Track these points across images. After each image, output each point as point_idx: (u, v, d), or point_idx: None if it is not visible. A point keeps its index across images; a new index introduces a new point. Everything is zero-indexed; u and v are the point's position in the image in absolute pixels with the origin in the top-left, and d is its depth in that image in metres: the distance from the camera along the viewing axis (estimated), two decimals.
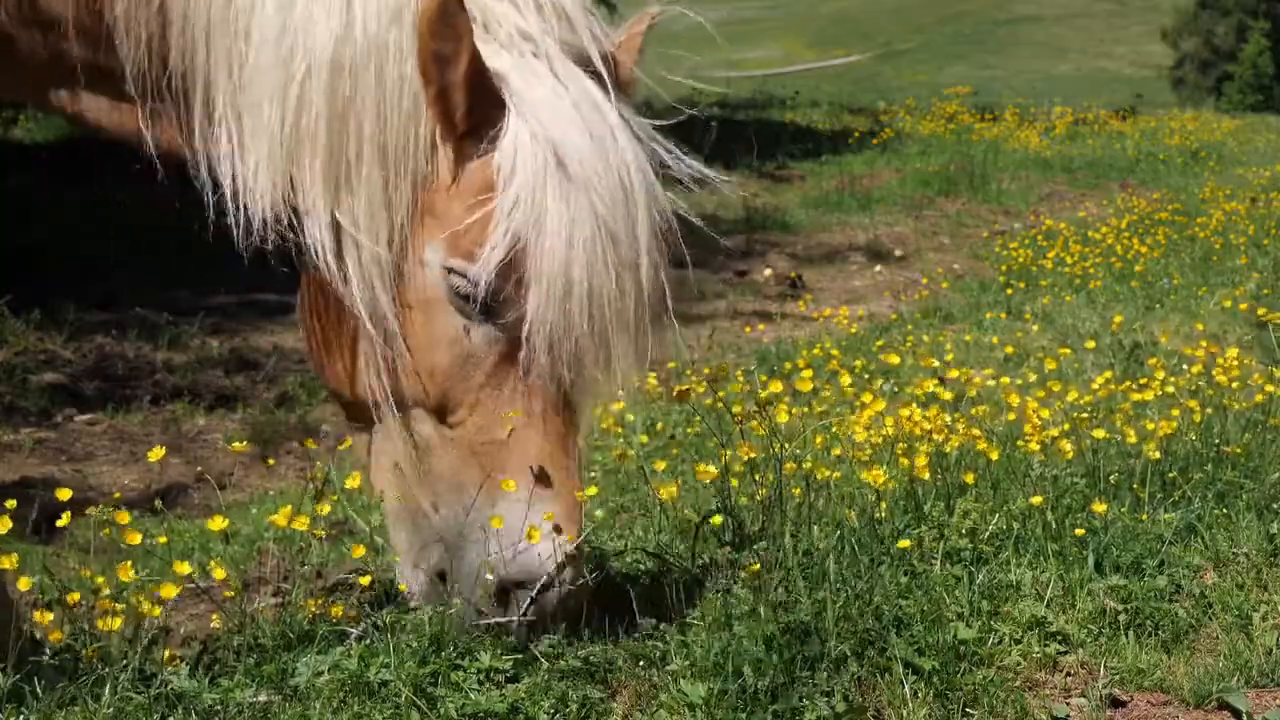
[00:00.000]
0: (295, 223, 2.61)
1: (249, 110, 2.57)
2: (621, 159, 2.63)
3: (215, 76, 2.58)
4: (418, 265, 2.63)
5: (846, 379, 4.71)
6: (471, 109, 2.54)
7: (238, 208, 2.59)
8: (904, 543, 3.28)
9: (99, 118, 2.76)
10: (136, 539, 2.80)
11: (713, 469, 3.44)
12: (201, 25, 2.56)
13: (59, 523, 2.79)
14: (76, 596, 2.80)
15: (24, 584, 2.77)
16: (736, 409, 3.59)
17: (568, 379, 2.63)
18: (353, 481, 3.12)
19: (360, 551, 3.17)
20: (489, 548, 2.64)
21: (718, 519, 3.36)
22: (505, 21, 2.62)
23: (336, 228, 2.59)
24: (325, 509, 3.08)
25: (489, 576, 2.66)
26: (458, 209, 2.59)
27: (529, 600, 2.67)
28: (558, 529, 2.64)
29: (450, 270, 2.60)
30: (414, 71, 2.53)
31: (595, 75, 2.67)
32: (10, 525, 2.67)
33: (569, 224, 2.56)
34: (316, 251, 2.59)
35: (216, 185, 2.63)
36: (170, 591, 2.85)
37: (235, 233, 2.60)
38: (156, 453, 3.19)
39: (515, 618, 2.68)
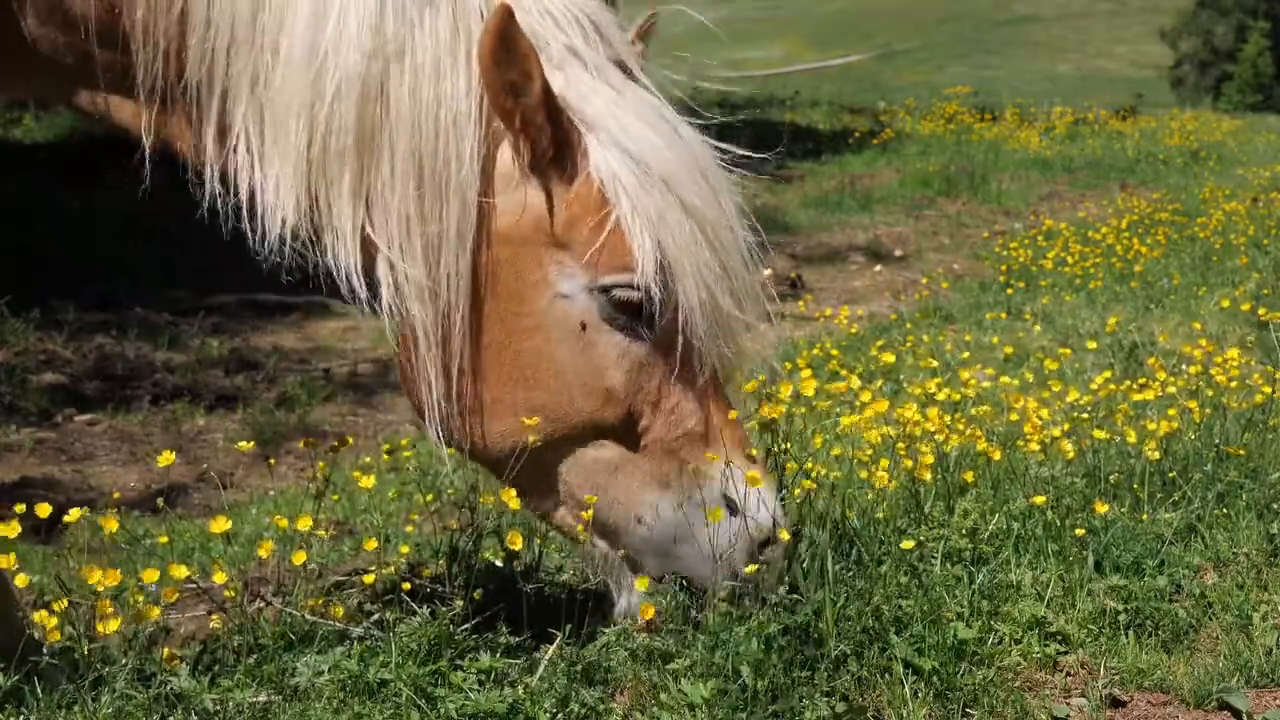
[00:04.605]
0: (315, 240, 2.60)
1: (272, 125, 2.55)
2: (692, 153, 2.71)
3: (236, 89, 2.56)
4: (554, 300, 2.64)
5: (855, 381, 4.70)
6: (554, 134, 2.58)
7: (254, 220, 2.58)
8: (907, 543, 3.28)
9: (124, 120, 2.73)
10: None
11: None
12: (225, 37, 2.53)
13: (68, 517, 2.77)
14: (64, 604, 2.76)
15: (22, 580, 2.75)
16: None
17: (729, 356, 2.76)
18: (366, 482, 3.12)
19: (373, 544, 3.15)
20: (720, 530, 2.72)
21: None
22: (553, 40, 2.65)
23: (365, 245, 2.58)
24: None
25: (744, 546, 2.75)
26: (584, 232, 2.62)
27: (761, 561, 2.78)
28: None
29: (609, 288, 2.63)
30: (453, 88, 2.54)
31: (639, 82, 2.74)
32: (18, 529, 2.65)
33: (679, 219, 2.64)
34: (340, 269, 2.58)
35: (227, 192, 2.61)
36: (167, 589, 2.84)
37: (251, 241, 2.59)
38: (166, 457, 3.16)
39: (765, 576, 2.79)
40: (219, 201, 2.60)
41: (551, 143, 2.58)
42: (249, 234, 2.59)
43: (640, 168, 2.61)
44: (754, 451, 2.87)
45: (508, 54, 2.47)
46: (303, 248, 2.60)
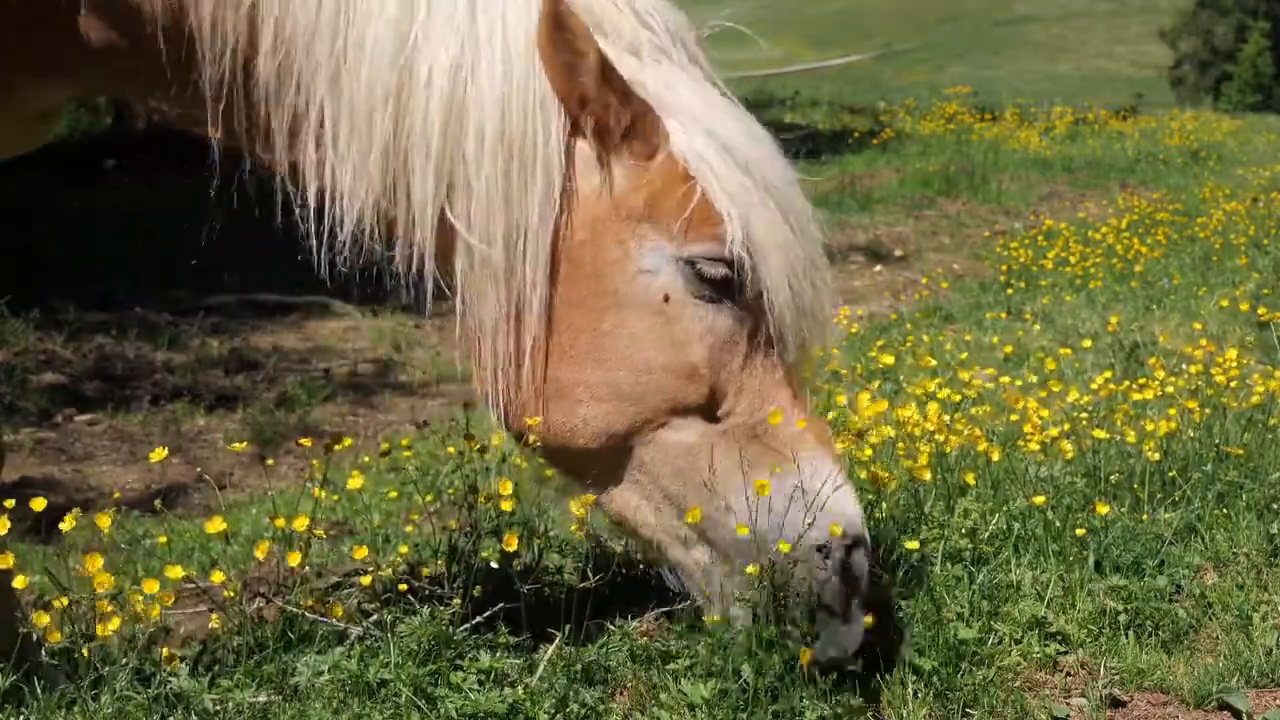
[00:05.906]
0: (387, 231, 2.58)
1: (350, 116, 2.53)
2: (770, 147, 2.73)
3: (313, 83, 2.53)
4: (636, 276, 2.62)
5: (866, 397, 4.69)
6: (624, 110, 2.57)
7: (322, 218, 2.56)
8: (911, 544, 3.28)
9: (179, 119, 2.70)
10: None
11: None
12: (304, 32, 2.51)
13: (63, 525, 2.76)
14: (64, 602, 2.76)
15: (20, 582, 2.74)
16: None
17: (813, 340, 2.72)
18: (353, 481, 3.11)
19: (362, 552, 3.16)
20: (803, 517, 2.61)
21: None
22: (629, 33, 2.66)
23: (443, 231, 2.57)
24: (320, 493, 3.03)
25: (841, 538, 2.62)
26: (669, 206, 2.61)
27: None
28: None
29: (695, 260, 2.61)
30: (539, 70, 2.54)
31: (715, 85, 2.77)
32: (8, 525, 2.64)
33: (763, 199, 2.63)
34: (414, 255, 2.57)
35: (297, 190, 2.59)
36: (164, 592, 2.84)
37: (317, 244, 2.57)
38: (158, 454, 3.15)
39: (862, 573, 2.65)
40: (294, 201, 2.59)
41: (622, 119, 2.58)
42: (313, 235, 2.57)
43: (724, 149, 2.62)
44: (838, 446, 2.80)
45: (561, 34, 2.48)
46: (371, 240, 2.58)
